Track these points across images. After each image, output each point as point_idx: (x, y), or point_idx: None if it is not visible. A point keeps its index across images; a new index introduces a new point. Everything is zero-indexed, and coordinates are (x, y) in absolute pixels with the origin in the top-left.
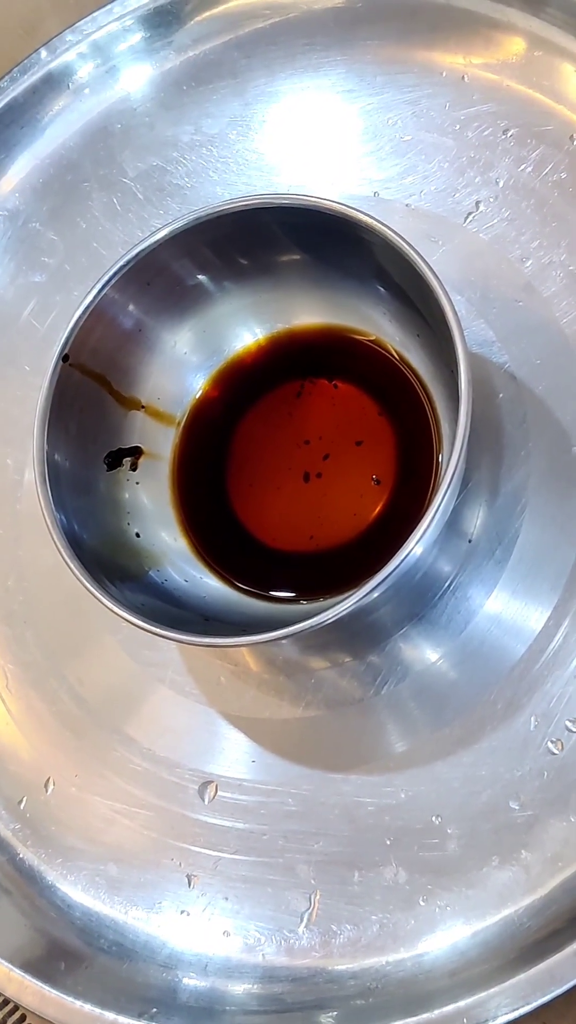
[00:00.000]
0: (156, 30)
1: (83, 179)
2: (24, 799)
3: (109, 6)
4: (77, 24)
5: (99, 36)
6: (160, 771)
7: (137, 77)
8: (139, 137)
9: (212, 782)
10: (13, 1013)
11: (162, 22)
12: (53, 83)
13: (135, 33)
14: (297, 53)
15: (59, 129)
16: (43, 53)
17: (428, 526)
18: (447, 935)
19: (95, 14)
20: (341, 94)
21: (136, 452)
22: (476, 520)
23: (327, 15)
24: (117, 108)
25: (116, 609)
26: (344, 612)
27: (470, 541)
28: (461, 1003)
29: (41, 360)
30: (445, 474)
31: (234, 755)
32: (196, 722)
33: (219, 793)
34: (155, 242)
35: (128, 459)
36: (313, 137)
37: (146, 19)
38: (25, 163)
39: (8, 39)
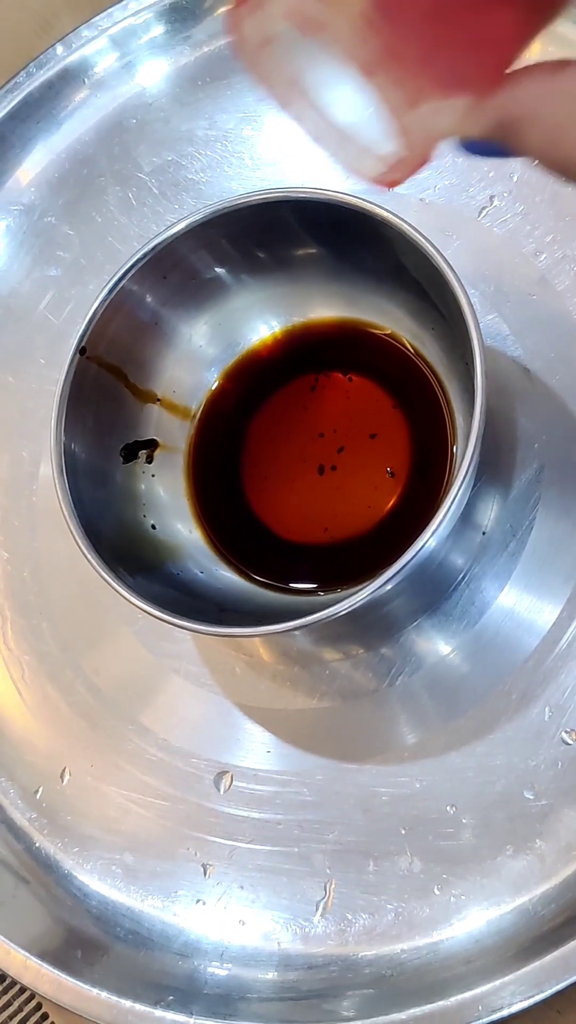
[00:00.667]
0: (172, 25)
1: (99, 174)
2: (40, 789)
3: (125, 2)
4: (93, 19)
5: (115, 31)
6: (176, 761)
7: (153, 72)
8: (154, 132)
9: (227, 772)
10: (30, 1001)
11: (178, 17)
12: (69, 78)
13: (151, 28)
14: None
15: (75, 124)
16: (59, 49)
17: (443, 519)
18: (462, 924)
19: (111, 10)
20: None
21: (152, 444)
22: (490, 512)
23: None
24: (133, 103)
25: (132, 599)
26: (358, 604)
27: (484, 533)
28: (476, 991)
29: (56, 353)
30: (460, 467)
31: (249, 745)
32: (211, 712)
33: (234, 783)
34: (173, 235)
35: (144, 451)
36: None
37: (162, 14)
38: (41, 158)
39: (23, 35)
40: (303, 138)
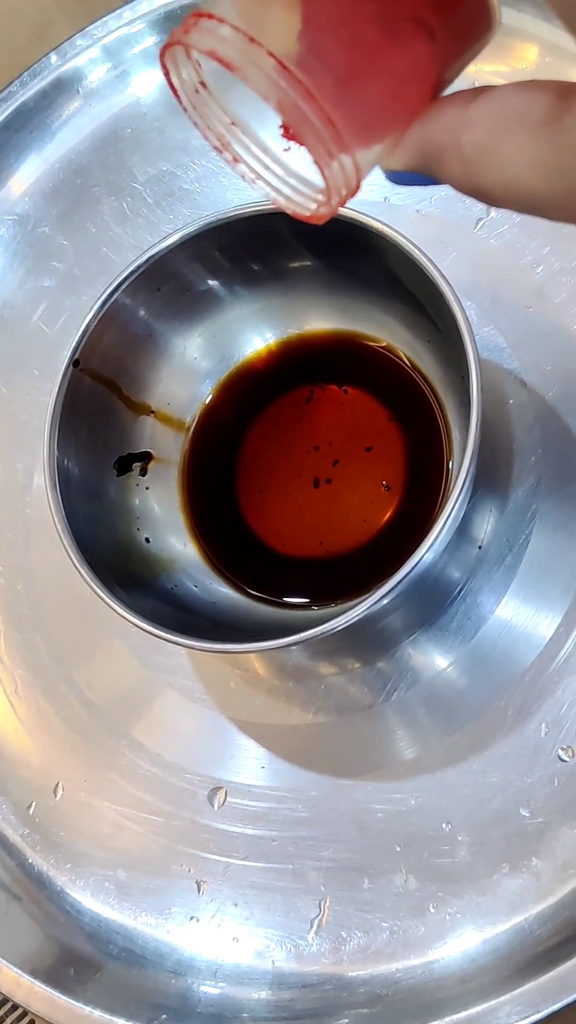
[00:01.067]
0: (166, 35)
1: (93, 183)
2: (33, 804)
3: (119, 10)
4: (88, 28)
5: (109, 40)
6: (169, 777)
7: (147, 82)
8: (149, 142)
9: (222, 788)
10: (22, 1019)
11: (173, 26)
12: (63, 87)
13: (146, 37)
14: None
15: (69, 133)
16: (53, 58)
17: (439, 532)
18: (457, 942)
19: (105, 19)
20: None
21: (146, 457)
22: (486, 526)
23: None
24: (127, 113)
25: (126, 614)
26: (354, 619)
27: (480, 547)
28: (472, 1010)
29: (50, 365)
30: (456, 480)
31: (244, 761)
32: (206, 727)
33: (228, 799)
34: (167, 247)
35: (138, 464)
36: None
37: (157, 23)
38: (35, 167)
39: (17, 43)
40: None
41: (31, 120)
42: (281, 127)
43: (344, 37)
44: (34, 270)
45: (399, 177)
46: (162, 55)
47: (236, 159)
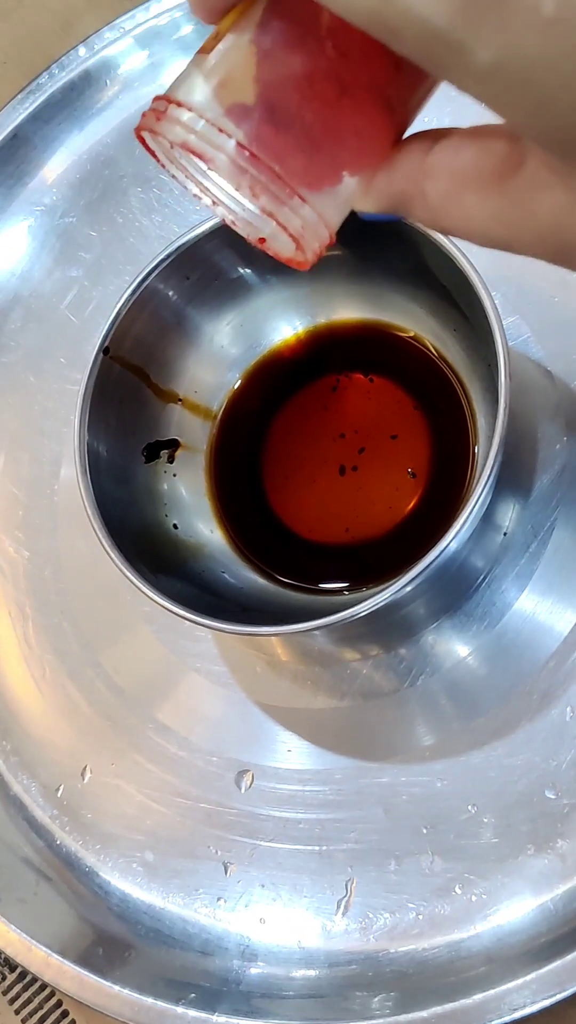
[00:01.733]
0: (199, 25)
1: (120, 174)
2: (61, 787)
3: (147, 3)
4: (116, 21)
5: (139, 32)
6: (196, 760)
7: (176, 72)
8: None
9: (248, 771)
10: (50, 998)
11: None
12: (91, 80)
13: (175, 29)
14: None
15: (97, 125)
16: (81, 50)
17: (465, 520)
18: (483, 923)
19: (134, 11)
20: None
21: (173, 444)
22: (511, 514)
23: None
24: None
25: (155, 596)
26: (379, 604)
27: (505, 534)
28: (498, 989)
29: (78, 354)
30: (483, 468)
31: (270, 744)
32: (232, 711)
33: (256, 782)
34: (198, 234)
35: (166, 451)
36: None
37: (186, 15)
38: (63, 159)
39: (44, 36)
40: None
41: (59, 112)
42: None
43: (303, 96)
44: (62, 260)
45: (371, 216)
46: (137, 132)
47: (215, 203)
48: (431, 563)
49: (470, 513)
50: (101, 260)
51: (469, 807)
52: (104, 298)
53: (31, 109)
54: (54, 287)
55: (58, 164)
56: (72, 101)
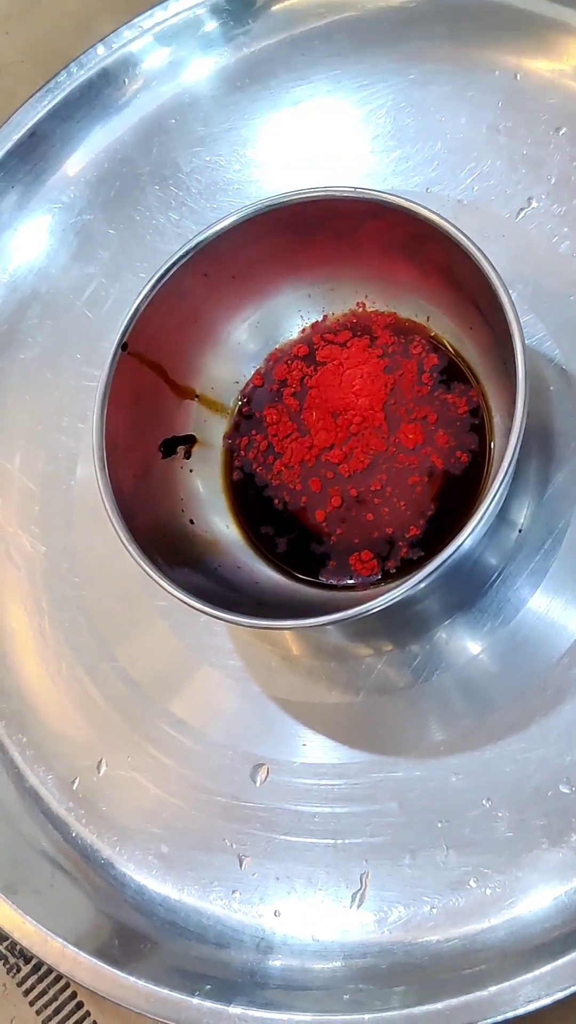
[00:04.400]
0: (219, 23)
1: (138, 172)
2: (77, 780)
3: (166, 2)
4: (134, 20)
5: (157, 32)
6: (211, 753)
7: (193, 73)
8: (193, 132)
9: (263, 764)
10: (65, 990)
11: (222, 20)
12: (109, 78)
13: (197, 29)
14: (351, 51)
15: (115, 124)
16: (100, 49)
17: (481, 518)
18: (498, 916)
19: (152, 11)
20: (393, 92)
21: (190, 440)
22: (526, 511)
23: (381, 14)
24: (172, 103)
25: (171, 589)
26: (393, 600)
27: (520, 531)
28: (513, 982)
29: (94, 350)
30: (500, 467)
31: (285, 738)
32: (247, 706)
33: (271, 775)
34: (216, 232)
35: (182, 447)
36: (365, 133)
37: (209, 14)
38: (81, 157)
39: (61, 35)
40: (342, 139)
41: (78, 110)
42: None
43: None
44: (79, 257)
45: None
46: None
47: None
48: (446, 560)
49: (486, 510)
50: (118, 257)
51: (484, 801)
52: (121, 295)
53: (50, 107)
54: (71, 284)
55: (76, 162)
56: (91, 99)
